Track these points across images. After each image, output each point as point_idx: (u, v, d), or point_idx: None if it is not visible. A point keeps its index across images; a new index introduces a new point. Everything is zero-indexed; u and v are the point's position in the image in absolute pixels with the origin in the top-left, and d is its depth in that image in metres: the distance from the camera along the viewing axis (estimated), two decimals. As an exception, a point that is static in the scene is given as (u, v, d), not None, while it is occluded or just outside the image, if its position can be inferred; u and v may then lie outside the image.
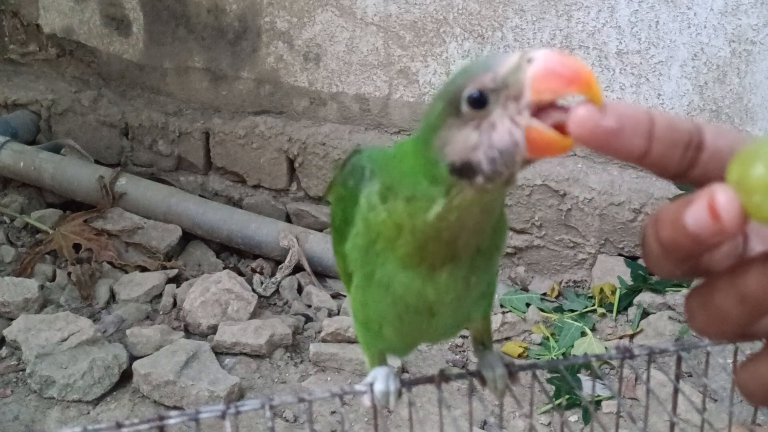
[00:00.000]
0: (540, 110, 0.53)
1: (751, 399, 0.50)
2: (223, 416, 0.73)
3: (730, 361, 2.03)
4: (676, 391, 0.84)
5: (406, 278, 0.70)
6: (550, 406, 1.97)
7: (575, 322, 2.47)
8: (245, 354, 2.37)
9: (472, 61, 0.58)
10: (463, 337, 2.43)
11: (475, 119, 0.55)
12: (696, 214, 0.44)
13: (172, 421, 0.71)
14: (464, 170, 0.57)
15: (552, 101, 0.52)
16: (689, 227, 0.44)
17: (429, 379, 0.83)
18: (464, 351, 2.45)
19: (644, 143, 0.47)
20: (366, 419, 2.11)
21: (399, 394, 0.81)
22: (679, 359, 0.86)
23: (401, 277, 0.70)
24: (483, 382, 0.84)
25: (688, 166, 0.48)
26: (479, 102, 0.54)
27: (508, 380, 0.83)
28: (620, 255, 2.65)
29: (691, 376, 2.18)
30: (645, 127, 0.47)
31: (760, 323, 0.50)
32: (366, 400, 0.80)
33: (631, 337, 2.43)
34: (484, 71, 0.54)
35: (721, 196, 0.43)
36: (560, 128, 0.51)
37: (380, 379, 0.80)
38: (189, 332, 2.48)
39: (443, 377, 0.83)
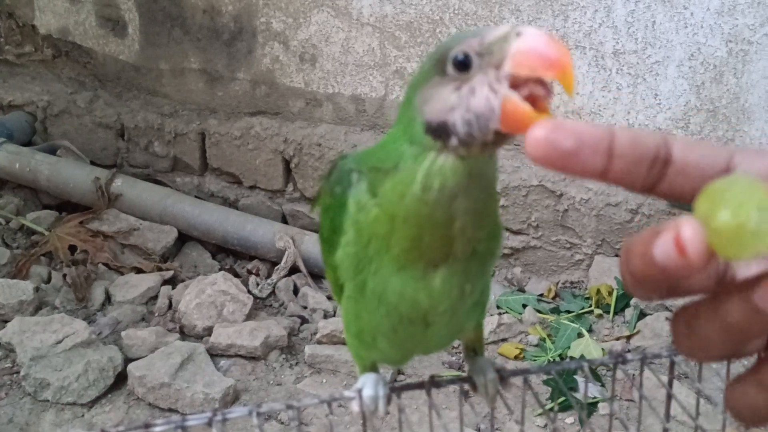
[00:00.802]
0: (520, 84, 0.54)
1: (739, 419, 0.49)
2: (209, 423, 0.73)
3: (724, 366, 2.02)
4: (669, 397, 0.84)
5: (400, 283, 0.68)
6: (542, 410, 1.96)
7: (572, 324, 2.46)
8: (240, 356, 2.36)
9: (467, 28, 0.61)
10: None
11: (457, 81, 0.57)
12: (663, 247, 0.44)
13: (158, 429, 0.70)
14: (439, 130, 0.58)
15: (530, 78, 0.53)
16: (657, 260, 0.44)
17: (419, 385, 0.82)
18: (460, 352, 2.45)
19: (603, 161, 0.47)
20: (362, 421, 2.10)
21: (388, 400, 0.81)
22: (672, 364, 0.86)
23: (395, 282, 0.68)
24: (474, 387, 0.83)
25: (656, 181, 0.49)
26: (463, 64, 0.56)
27: (499, 385, 0.83)
28: (617, 256, 2.64)
29: (687, 377, 2.17)
30: (604, 145, 0.47)
31: (746, 347, 0.50)
32: (355, 406, 0.79)
33: (628, 338, 2.42)
34: (473, 36, 0.56)
35: (687, 231, 0.43)
36: (537, 103, 0.53)
37: (369, 385, 0.80)
38: (184, 334, 2.47)
39: (433, 383, 0.82)
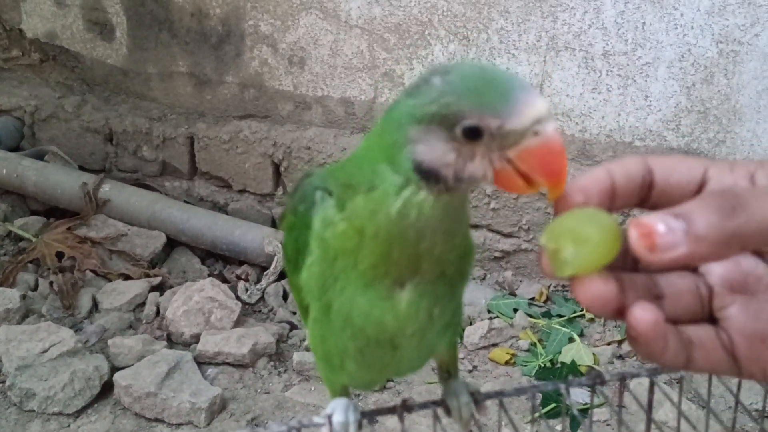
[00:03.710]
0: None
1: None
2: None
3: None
4: (649, 421, 0.82)
5: (366, 303, 0.67)
6: (531, 417, 1.94)
7: (563, 328, 2.44)
8: (228, 364, 2.34)
9: (491, 73, 0.58)
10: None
11: (460, 144, 0.57)
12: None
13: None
14: (428, 174, 0.59)
15: None
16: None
17: (391, 410, 0.81)
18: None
19: (609, 203, 0.55)
20: None
21: (359, 426, 0.79)
22: (652, 384, 0.84)
23: (361, 302, 0.67)
24: (448, 411, 0.81)
25: (641, 203, 0.56)
26: (473, 134, 0.56)
27: (474, 409, 0.81)
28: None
29: (678, 382, 2.16)
30: (608, 192, 0.55)
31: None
32: (324, 433, 0.77)
33: (620, 342, 2.40)
34: (494, 113, 0.55)
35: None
36: (527, 177, 0.57)
37: (339, 411, 0.78)
38: (172, 341, 2.45)
39: (406, 407, 0.80)
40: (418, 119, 0.58)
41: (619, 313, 0.53)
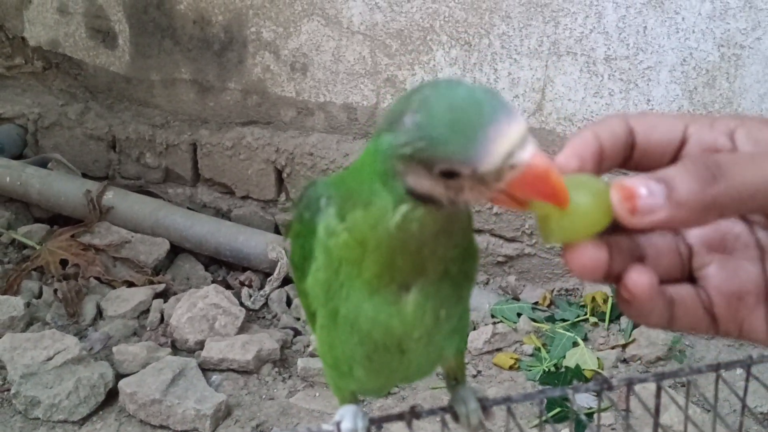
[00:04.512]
0: None
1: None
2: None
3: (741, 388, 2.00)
4: (656, 425, 0.82)
5: (372, 309, 0.67)
6: (537, 421, 1.94)
7: (567, 332, 2.44)
8: (232, 370, 2.34)
9: (459, 108, 0.53)
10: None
11: (444, 180, 0.55)
12: None
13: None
14: (423, 198, 0.58)
15: None
16: None
17: (399, 417, 0.80)
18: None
19: (599, 167, 0.55)
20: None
21: (368, 432, 0.79)
22: (659, 389, 0.84)
23: (367, 308, 0.67)
24: (456, 417, 0.81)
25: (623, 162, 0.56)
26: (452, 175, 0.55)
27: (482, 415, 0.81)
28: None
29: (684, 386, 2.16)
30: (598, 155, 0.55)
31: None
32: (332, 440, 0.77)
33: (624, 346, 2.40)
34: (463, 160, 0.53)
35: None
36: (517, 199, 0.56)
37: (348, 418, 0.78)
38: (176, 348, 2.45)
39: (414, 414, 0.80)
40: (398, 157, 0.56)
41: (607, 277, 0.54)
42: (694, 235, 0.57)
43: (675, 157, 0.55)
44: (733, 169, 0.49)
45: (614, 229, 0.54)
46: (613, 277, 0.54)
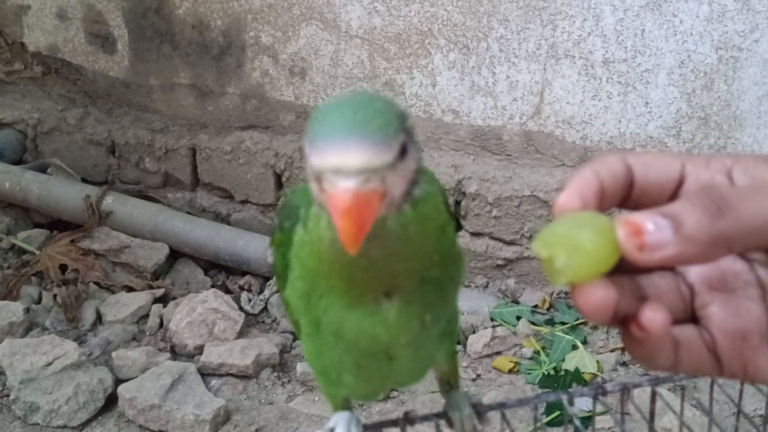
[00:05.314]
0: None
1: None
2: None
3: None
4: (651, 430, 0.82)
5: (355, 318, 0.67)
6: (535, 426, 1.94)
7: (566, 335, 2.44)
8: (232, 375, 2.34)
9: (325, 116, 0.58)
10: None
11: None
12: None
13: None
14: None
15: None
16: None
17: (393, 423, 0.81)
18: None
19: (600, 205, 0.54)
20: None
21: (362, 439, 0.79)
22: (654, 394, 0.84)
23: (349, 319, 0.67)
24: (450, 423, 0.81)
25: (622, 201, 0.55)
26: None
27: (476, 421, 0.81)
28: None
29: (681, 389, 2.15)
30: (599, 193, 0.54)
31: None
32: (326, 447, 0.77)
33: (623, 350, 2.40)
34: (309, 143, 0.56)
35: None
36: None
37: (341, 425, 0.78)
38: (175, 353, 2.45)
39: (408, 420, 0.80)
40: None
41: (614, 318, 0.53)
42: (694, 273, 0.56)
43: (673, 195, 0.54)
44: (738, 202, 0.48)
45: (615, 270, 0.53)
46: (619, 319, 0.53)
